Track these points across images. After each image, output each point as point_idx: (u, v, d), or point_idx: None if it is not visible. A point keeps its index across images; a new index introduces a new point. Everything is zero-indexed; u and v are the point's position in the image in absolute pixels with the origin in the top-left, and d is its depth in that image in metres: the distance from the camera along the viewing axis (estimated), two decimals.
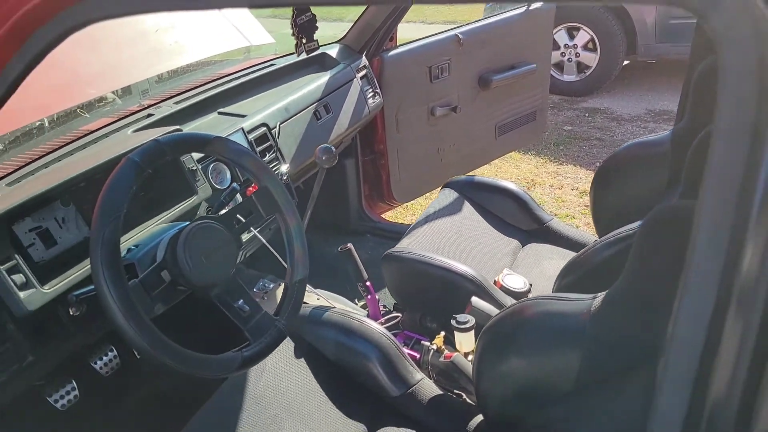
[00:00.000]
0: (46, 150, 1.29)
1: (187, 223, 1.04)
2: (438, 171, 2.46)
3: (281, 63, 1.87)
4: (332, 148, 1.31)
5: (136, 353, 1.56)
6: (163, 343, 0.89)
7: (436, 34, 2.33)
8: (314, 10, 1.56)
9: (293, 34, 1.33)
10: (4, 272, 0.95)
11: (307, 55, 1.44)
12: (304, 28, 1.27)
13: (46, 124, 1.61)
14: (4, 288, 0.95)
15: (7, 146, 1.34)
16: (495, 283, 1.54)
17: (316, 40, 1.37)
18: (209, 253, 1.02)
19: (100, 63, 1.42)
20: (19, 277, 0.97)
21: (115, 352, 1.53)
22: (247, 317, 1.05)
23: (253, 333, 1.04)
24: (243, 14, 1.83)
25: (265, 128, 1.54)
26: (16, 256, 0.99)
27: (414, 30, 4.16)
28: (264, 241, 1.35)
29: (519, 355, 1.00)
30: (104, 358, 1.52)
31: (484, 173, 3.14)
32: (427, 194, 2.66)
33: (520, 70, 2.50)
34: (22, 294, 0.97)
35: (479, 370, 1.12)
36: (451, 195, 1.87)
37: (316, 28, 1.33)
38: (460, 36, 2.31)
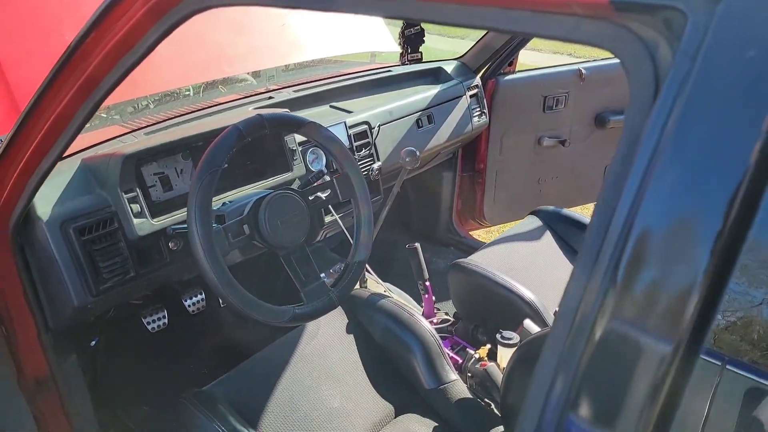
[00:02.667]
0: (182, 112, 1.53)
1: (274, 190, 1.21)
2: (534, 200, 2.47)
3: (398, 70, 2.01)
4: (416, 152, 1.42)
5: (220, 301, 1.77)
6: (231, 282, 1.05)
7: (559, 65, 2.36)
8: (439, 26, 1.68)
9: (399, 44, 1.45)
10: (126, 200, 1.17)
11: (410, 63, 1.56)
12: (411, 40, 1.39)
13: (191, 92, 1.88)
14: (123, 212, 1.17)
15: (154, 103, 1.60)
16: (554, 313, 1.56)
17: (421, 53, 1.49)
18: (286, 219, 1.17)
19: (242, 46, 1.65)
20: (136, 207, 1.18)
21: (203, 296, 1.75)
22: (305, 281, 1.19)
23: (308, 296, 1.18)
24: (374, 20, 2.00)
25: (366, 126, 1.69)
26: (138, 190, 1.21)
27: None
28: (341, 225, 1.50)
29: None
30: (194, 298, 1.74)
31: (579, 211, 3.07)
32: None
33: None
34: (135, 221, 1.18)
35: (507, 383, 1.17)
36: (535, 222, 1.90)
37: (423, 41, 1.45)
38: (583, 71, 2.32)
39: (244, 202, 1.20)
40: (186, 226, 1.12)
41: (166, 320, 1.68)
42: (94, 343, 1.49)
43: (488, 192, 2.43)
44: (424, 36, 1.45)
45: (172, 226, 1.20)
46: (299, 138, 1.47)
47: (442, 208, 2.48)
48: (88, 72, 0.87)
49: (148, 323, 1.65)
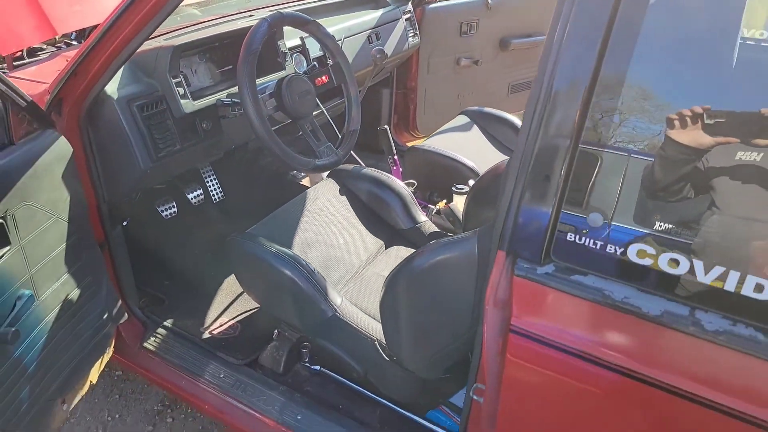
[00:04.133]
0: (194, 22, 1.80)
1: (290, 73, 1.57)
2: (456, 112, 2.97)
3: None
4: (384, 49, 1.82)
5: (214, 197, 2.07)
6: (274, 137, 1.42)
7: None
8: None
9: None
10: (174, 84, 1.47)
11: None
12: None
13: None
14: (171, 94, 1.47)
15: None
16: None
17: None
18: (301, 95, 1.54)
19: None
20: (180, 90, 1.49)
21: (201, 191, 2.06)
22: (318, 144, 1.58)
23: (321, 154, 1.57)
24: None
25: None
26: (182, 76, 1.51)
27: None
28: (327, 115, 1.87)
29: None
30: (194, 192, 2.05)
31: None
32: None
33: (535, 38, 2.98)
34: (182, 101, 1.49)
35: (466, 214, 1.64)
36: (464, 119, 2.38)
37: None
38: (489, 1, 2.79)
39: (267, 84, 1.55)
40: (229, 100, 1.46)
41: (175, 209, 1.98)
42: (125, 223, 1.77)
43: (419, 106, 2.88)
44: None
45: (221, 99, 1.53)
46: (289, 44, 1.81)
47: (381, 123, 2.90)
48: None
49: (162, 211, 1.95)
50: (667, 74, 0.73)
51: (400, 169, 2.08)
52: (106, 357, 1.52)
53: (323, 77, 1.67)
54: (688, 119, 0.71)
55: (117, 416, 1.92)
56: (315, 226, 1.68)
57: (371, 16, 2.32)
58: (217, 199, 2.14)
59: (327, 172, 1.94)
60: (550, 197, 0.81)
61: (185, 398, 1.58)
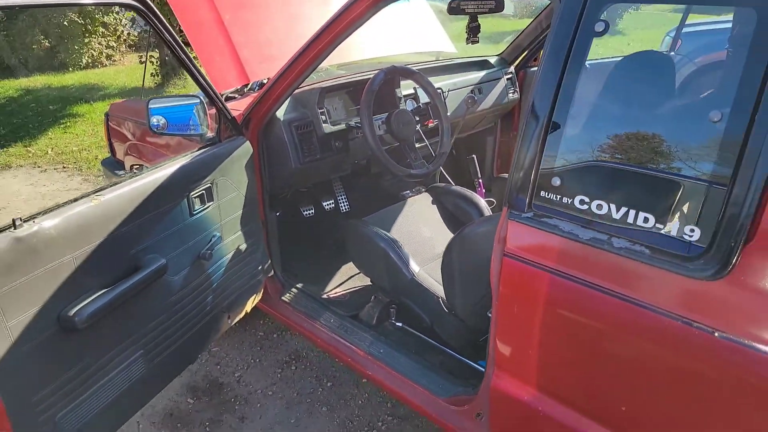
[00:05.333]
0: (337, 76, 2.55)
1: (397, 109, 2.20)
2: None
3: (458, 61, 3.02)
4: (474, 97, 2.40)
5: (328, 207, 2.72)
6: (380, 147, 2.04)
7: None
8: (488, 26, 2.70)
9: (465, 32, 2.44)
10: (319, 113, 2.17)
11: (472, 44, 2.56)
12: (473, 30, 2.35)
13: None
14: (317, 120, 2.17)
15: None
16: None
17: (478, 38, 2.46)
18: (405, 123, 2.15)
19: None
20: (323, 117, 2.19)
21: (332, 201, 2.74)
22: (416, 159, 2.17)
23: (416, 166, 2.15)
24: (435, 26, 3.02)
25: (440, 90, 2.68)
26: (325, 108, 2.22)
27: None
28: (428, 143, 2.47)
29: None
30: (327, 202, 2.73)
31: None
32: None
33: None
34: (323, 125, 2.18)
35: None
36: None
37: (479, 30, 2.41)
38: None
39: (381, 116, 2.20)
40: (356, 123, 2.12)
41: (313, 211, 2.67)
42: (278, 214, 2.48)
43: None
44: (479, 28, 2.39)
45: (349, 123, 2.21)
46: (404, 92, 2.47)
47: (485, 165, 3.43)
48: (320, 47, 1.85)
49: (303, 211, 2.65)
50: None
51: (483, 190, 2.59)
52: (258, 297, 2.18)
53: (430, 120, 2.30)
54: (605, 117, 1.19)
55: (257, 360, 2.59)
56: (409, 221, 2.25)
57: (476, 75, 2.92)
58: (345, 209, 2.80)
59: (426, 189, 2.52)
60: (531, 172, 1.30)
61: (307, 335, 2.18)
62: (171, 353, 1.73)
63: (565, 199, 1.26)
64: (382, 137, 2.13)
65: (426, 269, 2.04)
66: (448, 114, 2.59)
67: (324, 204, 2.73)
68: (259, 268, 2.14)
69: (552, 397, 1.38)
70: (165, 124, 1.86)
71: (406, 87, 2.49)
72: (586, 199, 1.22)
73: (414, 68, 2.32)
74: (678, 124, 1.20)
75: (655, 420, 1.21)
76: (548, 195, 1.29)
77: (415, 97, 2.48)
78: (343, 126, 2.23)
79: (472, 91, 2.86)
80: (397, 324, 2.12)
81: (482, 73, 2.96)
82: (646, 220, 1.14)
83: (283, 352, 2.63)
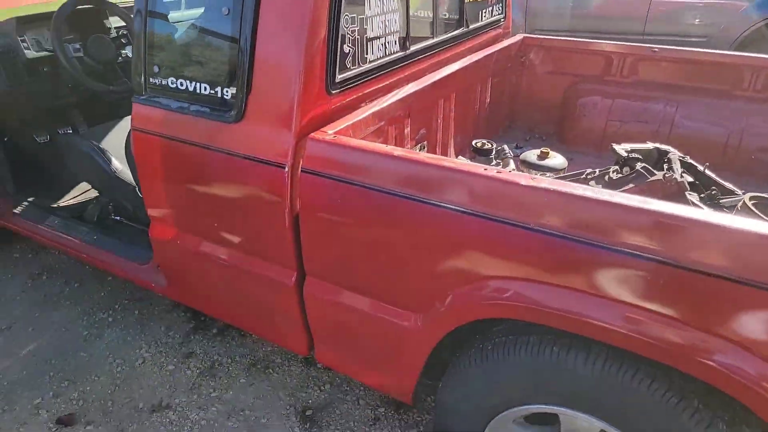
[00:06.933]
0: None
1: None
2: None
3: None
4: None
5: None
6: (81, 73, 2.37)
7: None
8: None
9: None
10: (19, 40, 2.44)
11: None
12: None
13: None
14: (18, 46, 2.44)
15: None
16: None
17: None
18: (102, 44, 2.50)
19: None
20: (26, 44, 2.45)
21: (48, 137, 3.00)
22: (114, 78, 2.53)
23: (116, 84, 2.52)
24: None
25: None
26: (20, 39, 2.48)
27: None
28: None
29: None
30: (43, 137, 2.99)
31: None
32: None
33: None
34: (27, 51, 2.45)
35: None
36: None
37: None
38: None
39: (81, 42, 2.52)
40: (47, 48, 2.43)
41: (48, 138, 2.93)
42: (5, 139, 2.71)
43: None
44: None
45: (47, 47, 2.50)
46: (116, 24, 2.78)
47: None
48: None
49: (37, 138, 2.90)
50: None
51: None
52: None
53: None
54: None
55: (9, 276, 2.85)
56: (121, 132, 2.63)
57: None
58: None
59: None
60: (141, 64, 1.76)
61: (36, 239, 2.50)
62: None
63: (162, 81, 1.73)
64: (83, 59, 2.46)
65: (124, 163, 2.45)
66: None
67: (60, 132, 2.99)
68: None
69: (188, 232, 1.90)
70: None
71: (117, 21, 2.82)
72: (173, 80, 1.70)
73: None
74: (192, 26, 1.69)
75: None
76: (153, 80, 1.75)
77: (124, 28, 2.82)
78: (47, 52, 2.52)
79: None
80: (116, 218, 2.53)
81: None
82: (205, 89, 1.65)
83: (36, 266, 2.92)
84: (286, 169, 1.52)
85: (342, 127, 1.56)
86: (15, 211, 2.58)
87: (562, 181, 1.20)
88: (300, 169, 1.49)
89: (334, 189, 1.46)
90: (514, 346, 1.31)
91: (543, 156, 2.04)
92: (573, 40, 2.82)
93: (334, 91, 1.60)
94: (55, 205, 2.67)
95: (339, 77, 1.61)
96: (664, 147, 1.90)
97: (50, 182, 2.89)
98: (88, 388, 2.16)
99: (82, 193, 2.83)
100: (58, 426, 1.99)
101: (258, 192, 1.62)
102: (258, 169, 1.57)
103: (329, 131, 1.51)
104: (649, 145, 1.92)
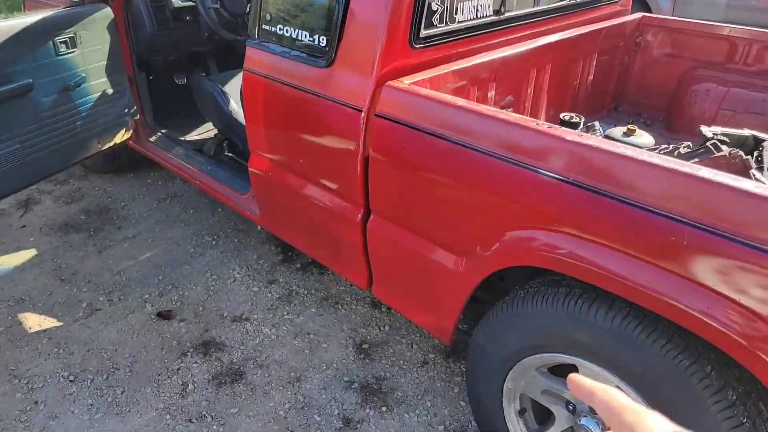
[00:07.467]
0: None
1: None
2: None
3: None
4: None
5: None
6: (214, 21, 2.69)
7: None
8: None
9: None
10: None
11: None
12: None
13: None
14: None
15: None
16: None
17: None
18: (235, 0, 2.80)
19: None
20: None
21: (185, 80, 3.38)
22: (244, 29, 2.82)
23: (242, 35, 2.81)
24: None
25: None
26: None
27: None
28: None
29: None
30: (181, 79, 3.38)
31: None
32: None
33: None
34: (174, 0, 2.81)
35: None
36: None
37: None
38: None
39: None
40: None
41: (185, 80, 3.34)
42: (150, 77, 3.13)
43: None
44: None
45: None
46: None
47: None
48: None
49: (177, 79, 3.31)
50: None
51: None
52: (127, 134, 2.87)
53: None
54: None
55: (141, 197, 3.31)
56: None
57: None
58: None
59: None
60: (257, 14, 1.99)
61: (163, 165, 2.89)
62: (45, 155, 2.43)
63: (272, 28, 1.95)
64: (219, 11, 2.77)
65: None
66: None
67: (197, 75, 3.39)
68: (126, 110, 2.82)
69: (278, 167, 2.12)
70: None
71: None
72: (281, 27, 1.91)
73: None
74: None
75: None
76: (265, 26, 1.97)
77: None
78: (190, 2, 2.86)
79: None
80: (228, 154, 2.84)
81: None
82: (305, 36, 1.84)
83: (164, 192, 3.36)
84: (363, 113, 1.67)
85: (419, 79, 1.66)
86: (150, 139, 2.99)
87: (606, 140, 1.22)
88: (374, 113, 1.63)
89: (403, 134, 1.58)
90: (544, 296, 1.36)
91: (629, 133, 2.00)
92: (696, 22, 2.65)
93: (417, 46, 1.71)
94: (182, 139, 3.05)
95: (424, 33, 1.71)
96: (762, 135, 1.79)
97: (182, 119, 3.30)
98: (186, 293, 2.49)
99: (206, 131, 3.20)
100: (158, 318, 2.34)
101: (337, 132, 1.78)
102: (339, 111, 1.74)
103: (406, 81, 1.63)
104: (746, 132, 1.82)
